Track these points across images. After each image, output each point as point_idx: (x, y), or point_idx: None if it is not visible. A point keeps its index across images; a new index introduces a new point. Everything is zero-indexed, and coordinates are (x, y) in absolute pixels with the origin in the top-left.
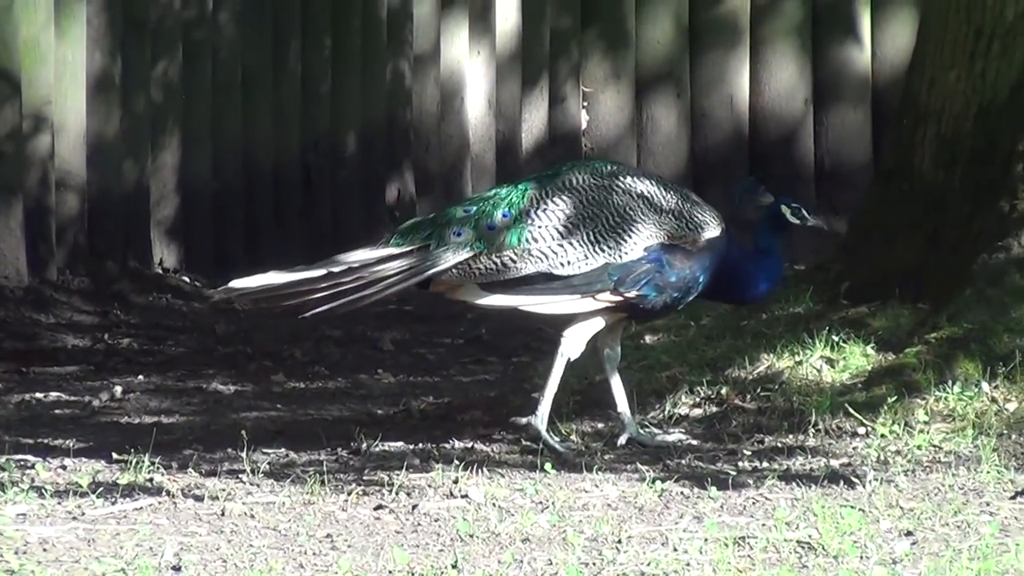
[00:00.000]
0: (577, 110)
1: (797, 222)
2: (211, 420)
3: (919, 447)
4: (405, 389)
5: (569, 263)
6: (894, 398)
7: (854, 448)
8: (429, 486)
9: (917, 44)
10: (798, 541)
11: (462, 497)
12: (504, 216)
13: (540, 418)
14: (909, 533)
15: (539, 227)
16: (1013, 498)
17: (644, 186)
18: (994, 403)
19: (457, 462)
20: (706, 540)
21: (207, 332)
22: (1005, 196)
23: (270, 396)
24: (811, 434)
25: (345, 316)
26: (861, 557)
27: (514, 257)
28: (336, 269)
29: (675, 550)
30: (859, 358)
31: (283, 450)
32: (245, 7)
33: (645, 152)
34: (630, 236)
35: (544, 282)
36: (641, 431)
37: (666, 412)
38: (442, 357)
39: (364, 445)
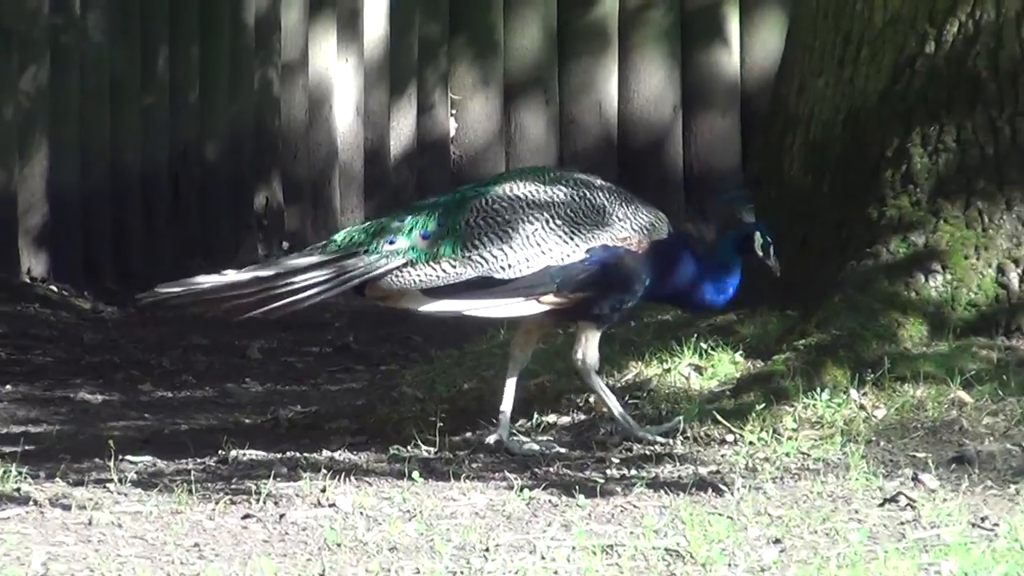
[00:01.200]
0: (446, 117)
1: (759, 254)
2: (79, 429)
3: (787, 454)
4: (273, 398)
5: (510, 267)
6: (762, 405)
7: (722, 455)
8: (297, 495)
9: (786, 50)
10: (666, 549)
11: (330, 506)
12: (440, 224)
13: (632, 428)
14: (777, 540)
15: (477, 233)
16: (881, 505)
17: (587, 190)
18: (862, 410)
19: (325, 471)
20: (574, 548)
21: (74, 342)
22: (874, 203)
23: (138, 405)
24: (679, 442)
25: (212, 325)
26: (729, 565)
27: (453, 263)
28: (264, 273)
29: (543, 558)
30: (727, 365)
31: (151, 459)
32: (113, 15)
33: (514, 159)
34: (571, 238)
35: (486, 287)
36: (512, 438)
37: (534, 420)
38: (310, 366)
39: (232, 454)
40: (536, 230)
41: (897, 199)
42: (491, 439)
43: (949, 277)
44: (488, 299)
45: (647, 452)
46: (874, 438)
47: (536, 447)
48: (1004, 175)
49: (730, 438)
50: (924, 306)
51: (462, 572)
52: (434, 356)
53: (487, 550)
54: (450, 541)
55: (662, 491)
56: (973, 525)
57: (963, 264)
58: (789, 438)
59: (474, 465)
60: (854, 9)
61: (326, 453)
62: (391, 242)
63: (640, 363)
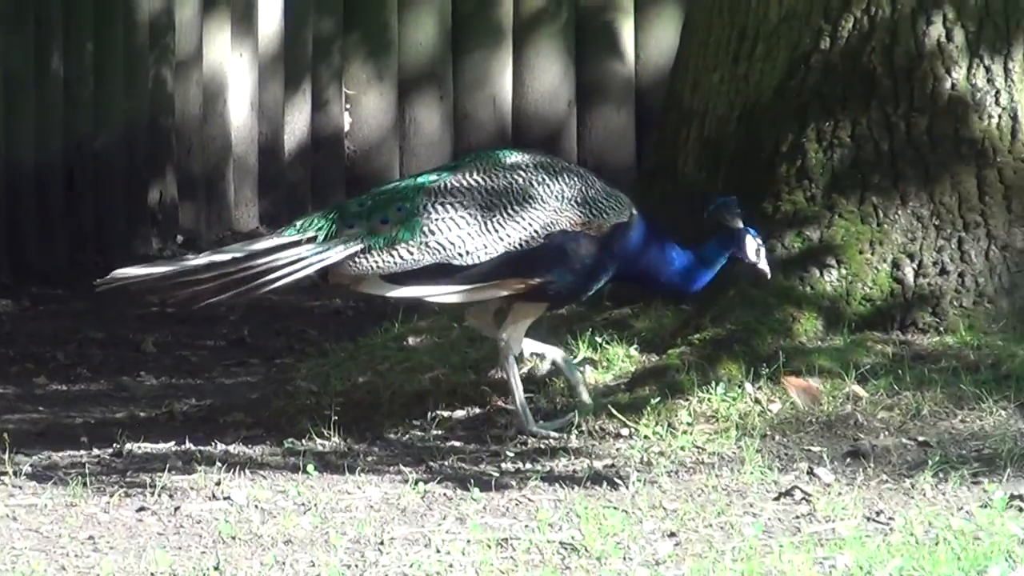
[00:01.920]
0: (340, 112)
1: (751, 259)
2: None
3: (682, 448)
4: (167, 391)
5: (468, 253)
6: (657, 399)
7: (617, 449)
8: (191, 488)
9: (680, 46)
10: (561, 542)
11: (224, 499)
12: (398, 210)
13: (527, 421)
14: (672, 534)
15: (435, 219)
16: (776, 499)
17: (545, 174)
18: (757, 404)
19: (219, 464)
20: (469, 542)
21: None
22: (768, 197)
23: (32, 398)
24: (574, 435)
25: (106, 318)
26: (624, 558)
27: (410, 250)
28: (221, 258)
29: (438, 552)
30: (622, 359)
31: (45, 452)
32: (6, 8)
33: (408, 153)
34: (530, 224)
35: (447, 272)
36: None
37: (429, 413)
38: (204, 359)
39: (127, 447)
40: (494, 216)
41: (792, 194)
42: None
43: (844, 272)
44: (450, 285)
45: (542, 446)
46: (769, 432)
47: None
48: (899, 170)
49: (625, 432)
50: (819, 300)
51: (357, 565)
52: (329, 350)
53: (382, 543)
54: (345, 534)
55: (557, 485)
56: (868, 519)
57: (858, 259)
58: (684, 432)
59: (369, 458)
60: (749, 5)
61: (221, 446)
62: (350, 226)
63: (535, 357)
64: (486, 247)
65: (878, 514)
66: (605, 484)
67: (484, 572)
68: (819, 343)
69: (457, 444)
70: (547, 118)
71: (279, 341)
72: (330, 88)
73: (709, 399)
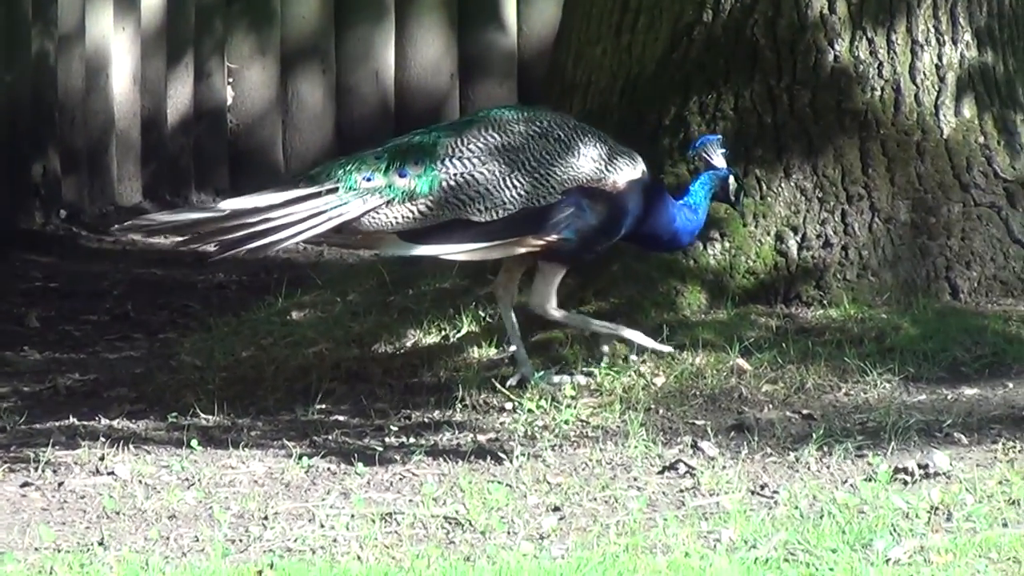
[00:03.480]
0: (223, 86)
1: (732, 200)
2: None
3: (566, 422)
4: (51, 366)
5: (486, 208)
6: (541, 373)
7: (501, 423)
8: (75, 463)
9: (563, 19)
10: (445, 517)
11: (108, 474)
12: (416, 163)
13: (525, 369)
14: (556, 508)
15: (453, 174)
16: (660, 473)
17: (561, 131)
18: (641, 378)
19: (103, 439)
20: (353, 516)
21: None
22: (652, 170)
23: None
24: (458, 409)
25: None
26: (508, 532)
27: (430, 204)
28: (242, 207)
29: (322, 526)
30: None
31: None
32: None
33: (291, 128)
34: (547, 181)
35: (463, 229)
36: (536, 374)
37: (313, 388)
38: (88, 334)
39: (10, 422)
40: (513, 172)
41: (675, 167)
42: (513, 380)
43: (728, 245)
44: (465, 243)
45: (426, 420)
46: (653, 406)
47: (560, 378)
48: (782, 143)
49: (509, 406)
50: (703, 274)
51: (241, 540)
52: (212, 324)
53: (266, 518)
54: (229, 509)
55: (441, 459)
56: (753, 492)
57: (741, 232)
58: (568, 406)
59: (253, 433)
60: None
61: (104, 421)
62: (368, 179)
63: (419, 331)
64: (504, 203)
65: (762, 488)
66: (489, 458)
67: (368, 547)
68: (703, 316)
69: (341, 419)
70: (430, 91)
71: (163, 315)
72: (212, 62)
73: (593, 373)
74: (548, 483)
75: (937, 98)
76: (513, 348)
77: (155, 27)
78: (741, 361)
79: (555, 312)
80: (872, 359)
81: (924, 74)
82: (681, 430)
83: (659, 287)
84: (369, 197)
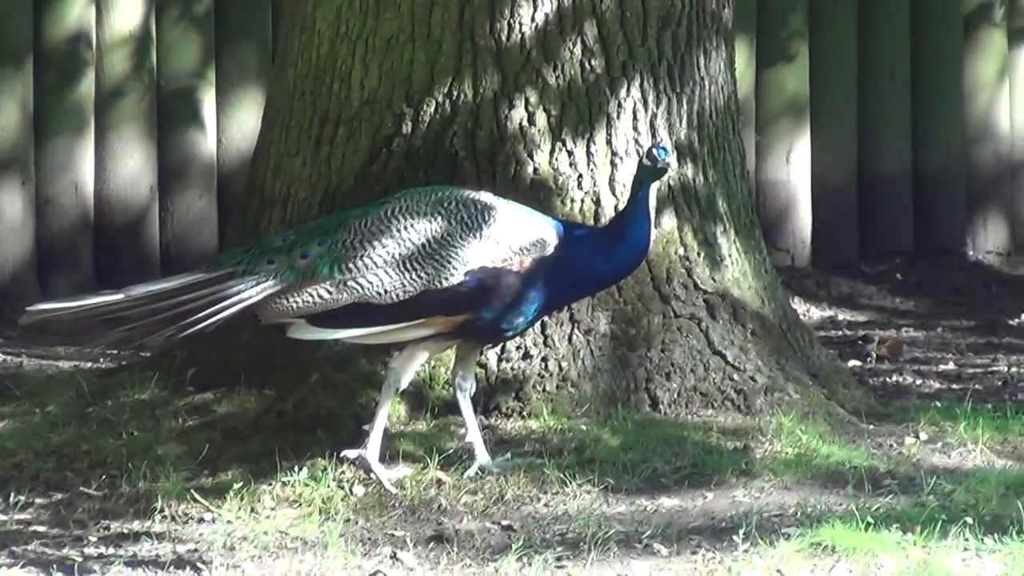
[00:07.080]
0: None
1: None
2: None
3: (266, 533)
4: None
5: (386, 291)
6: (240, 484)
7: (200, 534)
8: None
9: (262, 130)
10: None
11: None
12: (318, 244)
13: (371, 451)
14: None
15: (353, 256)
16: None
17: (467, 211)
18: (341, 488)
19: None
20: None
21: None
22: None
23: None
24: (157, 520)
25: None
26: None
27: (329, 288)
28: (136, 293)
29: None
30: (204, 444)
31: None
32: None
33: None
34: (449, 261)
35: (367, 312)
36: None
37: (11, 500)
38: None
39: None
40: (412, 254)
41: None
42: (471, 472)
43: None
44: (373, 326)
45: (125, 530)
46: (352, 516)
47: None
48: None
49: (208, 516)
50: None
51: None
52: None
53: None
54: None
55: (140, 569)
56: None
57: None
58: (267, 516)
59: None
60: (331, 89)
61: None
62: (270, 262)
63: (118, 442)
64: (404, 285)
65: None
66: (188, 569)
67: None
68: (402, 428)
69: (40, 529)
70: (129, 204)
71: None
72: None
73: (292, 483)
74: None
75: None
76: (470, 440)
77: None
78: (440, 473)
79: (468, 398)
80: (572, 470)
81: (624, 185)
82: (380, 541)
83: (358, 398)
84: (269, 281)
